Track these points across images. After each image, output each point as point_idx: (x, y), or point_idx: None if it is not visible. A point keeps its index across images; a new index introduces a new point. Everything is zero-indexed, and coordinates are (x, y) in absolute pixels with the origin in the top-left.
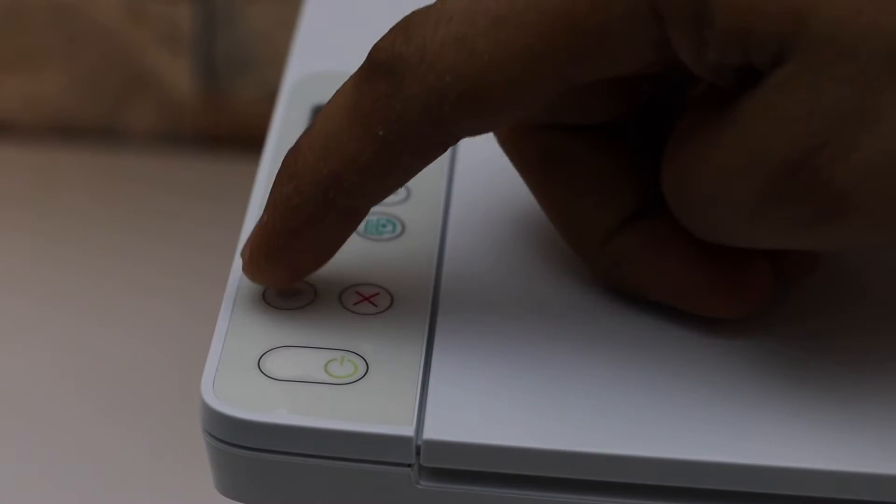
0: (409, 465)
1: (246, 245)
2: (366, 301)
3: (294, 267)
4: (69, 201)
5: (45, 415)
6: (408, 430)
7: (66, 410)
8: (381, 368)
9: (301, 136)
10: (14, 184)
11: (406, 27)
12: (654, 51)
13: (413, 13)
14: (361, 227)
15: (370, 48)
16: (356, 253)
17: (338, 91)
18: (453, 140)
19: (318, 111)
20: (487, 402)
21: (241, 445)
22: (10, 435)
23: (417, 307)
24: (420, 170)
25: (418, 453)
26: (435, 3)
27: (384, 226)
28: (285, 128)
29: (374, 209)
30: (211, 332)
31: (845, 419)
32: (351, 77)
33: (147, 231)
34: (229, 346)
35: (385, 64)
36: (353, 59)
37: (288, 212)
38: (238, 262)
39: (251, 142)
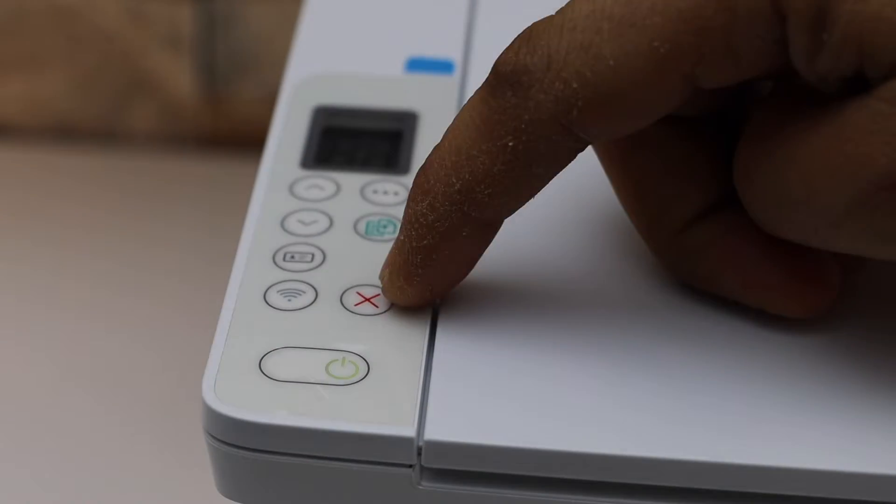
0: (410, 466)
1: (384, 267)
2: (367, 302)
3: (433, 284)
4: (70, 202)
5: (43, 417)
6: (409, 431)
7: (66, 412)
8: (382, 369)
9: (430, 154)
10: (15, 185)
11: (529, 37)
12: (774, 53)
13: (535, 24)
14: (362, 227)
15: (494, 62)
16: (357, 254)
17: (464, 107)
18: (583, 146)
19: (319, 112)
20: (489, 403)
21: (242, 447)
22: (11, 436)
23: (418, 308)
24: (552, 177)
25: (419, 454)
26: (557, 13)
27: (385, 226)
28: (286, 129)
29: (374, 210)
30: (212, 333)
31: (847, 419)
32: (476, 92)
33: (148, 232)
34: (230, 347)
35: (512, 75)
36: (353, 61)
37: (424, 229)
38: (239, 264)
39: (252, 143)
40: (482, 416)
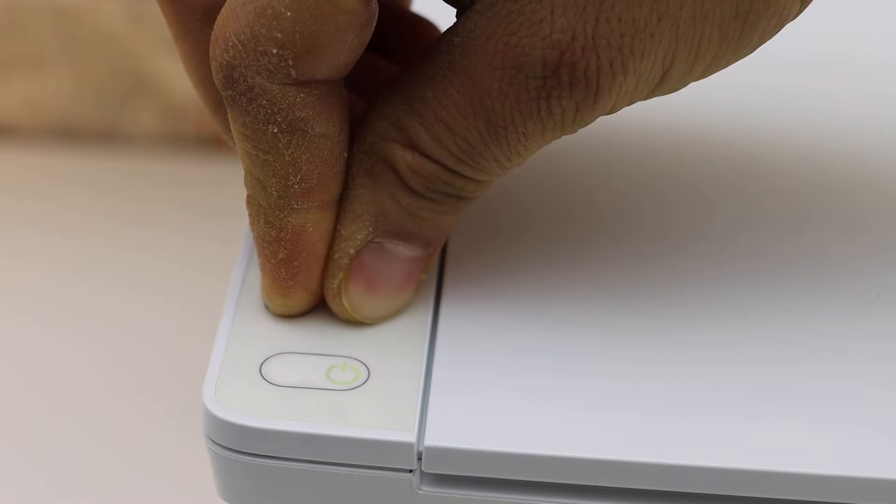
0: (410, 471)
1: (262, 292)
2: None
3: (307, 286)
4: (71, 204)
5: (42, 419)
6: (409, 436)
7: (65, 414)
8: (382, 374)
9: (245, 185)
10: (16, 186)
11: (215, 37)
12: None
13: (215, 24)
14: None
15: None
16: None
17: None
18: (332, 85)
19: None
20: (489, 408)
21: (242, 451)
22: (11, 437)
23: (419, 313)
24: (345, 125)
25: (420, 459)
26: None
27: None
28: None
29: None
30: (213, 337)
31: (840, 422)
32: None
33: (149, 234)
34: (231, 352)
35: (226, 80)
36: None
37: (274, 245)
38: (240, 268)
39: None
40: (482, 422)
